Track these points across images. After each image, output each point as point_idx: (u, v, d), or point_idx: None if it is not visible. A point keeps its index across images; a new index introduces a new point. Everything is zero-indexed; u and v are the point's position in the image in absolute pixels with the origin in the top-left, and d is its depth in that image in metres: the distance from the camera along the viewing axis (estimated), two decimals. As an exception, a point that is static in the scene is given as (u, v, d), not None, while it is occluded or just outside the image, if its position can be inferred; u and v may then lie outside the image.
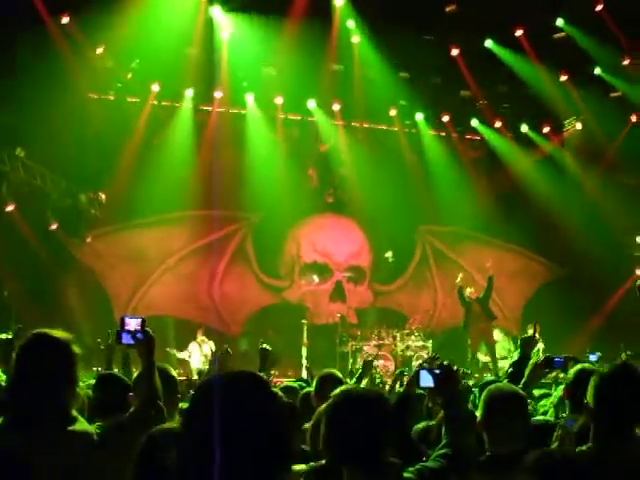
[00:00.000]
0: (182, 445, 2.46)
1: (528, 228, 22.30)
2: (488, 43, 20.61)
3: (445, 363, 4.33)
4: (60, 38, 18.04)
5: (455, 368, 4.33)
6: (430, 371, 4.37)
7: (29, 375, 3.69)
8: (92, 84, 20.48)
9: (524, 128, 23.35)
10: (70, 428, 3.64)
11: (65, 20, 18.18)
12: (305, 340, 20.95)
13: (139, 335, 4.38)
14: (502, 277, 22.63)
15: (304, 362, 19.61)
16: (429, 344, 20.25)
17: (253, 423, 2.42)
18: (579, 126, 23.07)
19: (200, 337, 19.30)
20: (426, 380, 4.39)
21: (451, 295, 23.10)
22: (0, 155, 16.68)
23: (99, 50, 19.45)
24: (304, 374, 18.81)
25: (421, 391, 5.45)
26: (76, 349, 3.86)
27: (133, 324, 4.43)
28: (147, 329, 4.46)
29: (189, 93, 21.48)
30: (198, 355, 18.64)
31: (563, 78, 21.46)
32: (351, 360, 19.45)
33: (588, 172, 22.57)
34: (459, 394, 4.24)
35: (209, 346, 18.95)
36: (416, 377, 4.58)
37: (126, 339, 4.42)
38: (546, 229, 21.87)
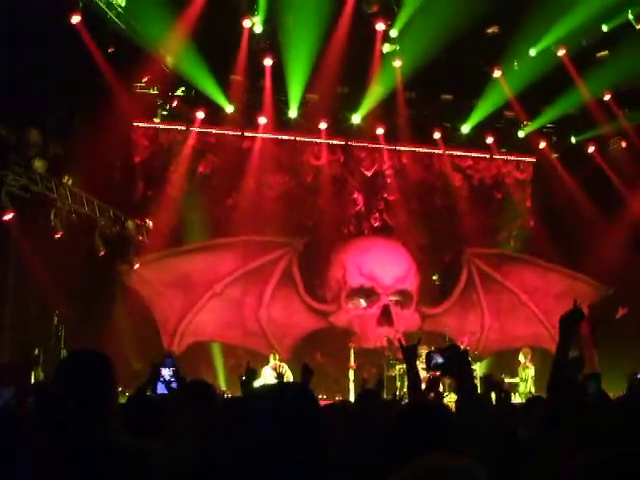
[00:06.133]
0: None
1: (573, 248, 22.15)
2: (532, 52, 20.61)
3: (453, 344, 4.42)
4: (106, 68, 18.30)
5: (463, 348, 4.40)
6: (440, 352, 4.46)
7: (67, 388, 3.70)
8: (137, 112, 20.75)
9: (569, 148, 23.23)
10: (103, 440, 3.62)
11: (111, 50, 18.44)
12: (352, 364, 20.95)
13: (173, 384, 4.36)
14: (548, 298, 22.51)
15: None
16: (476, 367, 20.15)
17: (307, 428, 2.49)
18: (624, 144, 22.88)
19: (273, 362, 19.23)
20: (437, 359, 4.50)
21: (498, 318, 22.99)
22: (48, 184, 16.90)
23: (144, 78, 19.72)
24: (352, 397, 18.86)
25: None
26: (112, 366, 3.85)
27: (167, 373, 4.40)
28: (182, 378, 4.44)
29: (234, 119, 21.61)
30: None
31: (607, 97, 21.36)
32: (399, 383, 19.40)
33: (633, 190, 22.38)
34: (470, 373, 4.28)
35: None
36: (427, 359, 4.67)
37: (161, 389, 4.39)
38: (591, 249, 21.66)
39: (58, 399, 3.75)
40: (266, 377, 18.25)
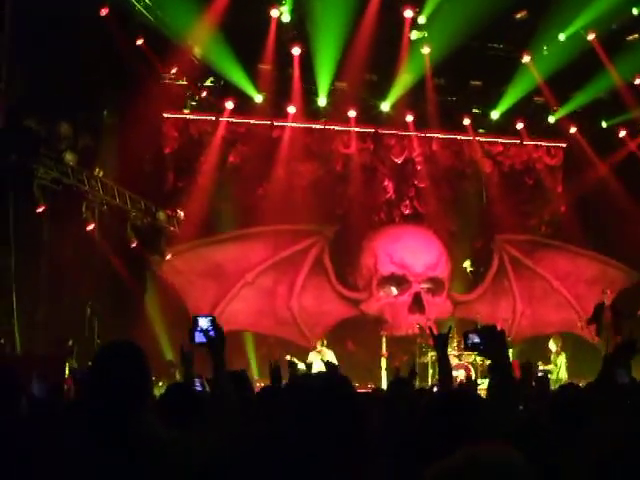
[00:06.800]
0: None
1: (605, 234, 22.01)
2: (562, 37, 20.48)
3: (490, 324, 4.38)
4: (134, 59, 18.37)
5: (500, 329, 4.36)
6: (476, 332, 4.45)
7: (104, 379, 3.71)
8: (167, 103, 20.79)
9: (600, 132, 23.05)
10: (137, 432, 3.62)
11: (139, 42, 18.53)
12: (384, 351, 20.94)
13: (211, 333, 4.43)
14: (580, 284, 22.44)
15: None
16: (509, 353, 20.05)
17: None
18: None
19: (319, 347, 19.12)
20: (473, 339, 4.49)
21: (530, 304, 22.89)
22: (80, 176, 16.99)
23: (173, 70, 19.75)
24: (384, 385, 18.83)
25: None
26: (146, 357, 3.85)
27: (205, 323, 4.47)
28: (219, 326, 4.49)
29: (263, 109, 21.61)
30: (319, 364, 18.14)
31: (638, 81, 21.19)
32: (431, 370, 19.37)
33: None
34: (506, 353, 4.27)
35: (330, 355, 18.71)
36: (464, 339, 4.68)
37: (199, 338, 4.46)
38: (623, 234, 21.51)
39: (93, 390, 3.79)
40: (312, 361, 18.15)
